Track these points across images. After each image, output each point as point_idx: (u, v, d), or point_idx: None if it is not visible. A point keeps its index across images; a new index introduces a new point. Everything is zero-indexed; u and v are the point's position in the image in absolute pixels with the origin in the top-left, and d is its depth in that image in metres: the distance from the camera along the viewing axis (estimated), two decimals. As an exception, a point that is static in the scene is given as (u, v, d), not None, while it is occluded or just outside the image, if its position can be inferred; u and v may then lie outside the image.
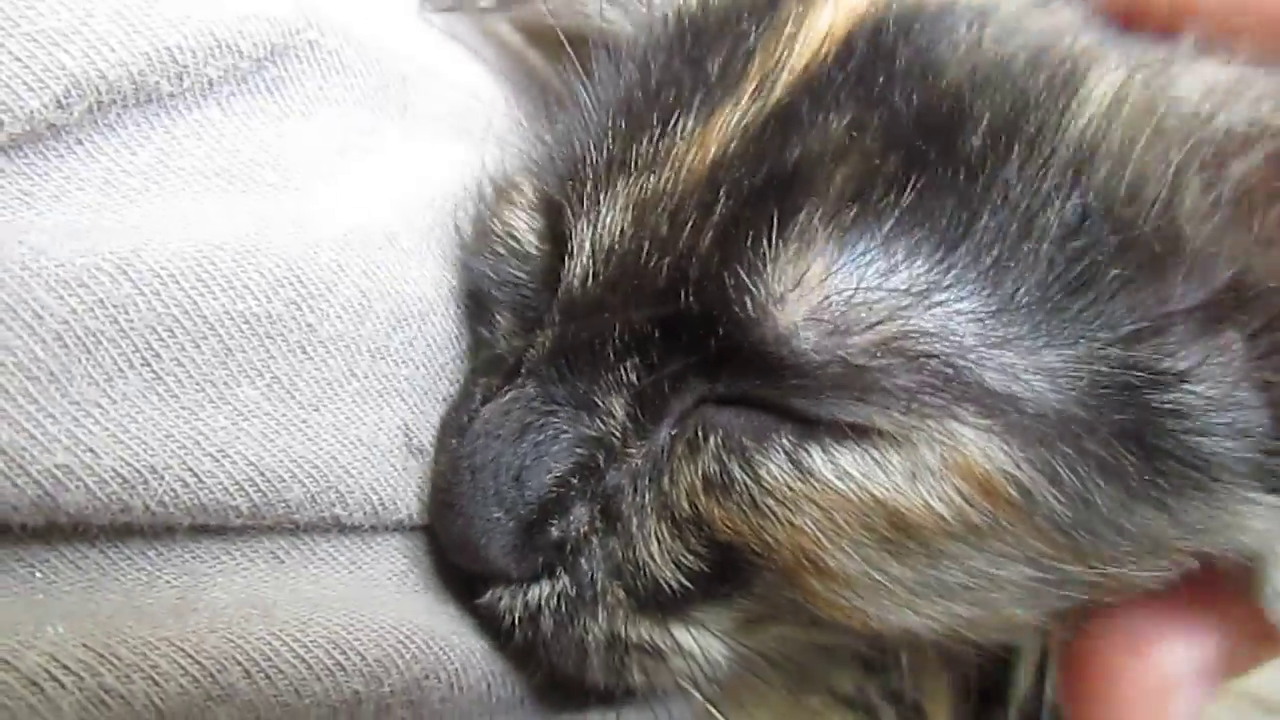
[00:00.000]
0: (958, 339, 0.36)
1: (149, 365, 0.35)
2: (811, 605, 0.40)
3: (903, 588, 0.39)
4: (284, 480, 0.37)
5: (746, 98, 0.40)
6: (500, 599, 0.42)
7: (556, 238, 0.45)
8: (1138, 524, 0.38)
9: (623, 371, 0.40)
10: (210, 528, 0.36)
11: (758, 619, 0.43)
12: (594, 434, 0.41)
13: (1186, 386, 0.37)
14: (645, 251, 0.39)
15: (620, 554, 0.41)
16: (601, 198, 0.41)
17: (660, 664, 0.42)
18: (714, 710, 0.44)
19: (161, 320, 0.35)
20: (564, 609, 0.41)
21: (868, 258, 0.36)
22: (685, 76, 0.42)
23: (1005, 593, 0.39)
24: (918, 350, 0.36)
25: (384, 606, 0.39)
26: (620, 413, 0.41)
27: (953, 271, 0.36)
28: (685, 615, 0.42)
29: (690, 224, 0.38)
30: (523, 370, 0.42)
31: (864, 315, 0.36)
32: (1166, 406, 0.37)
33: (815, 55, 0.40)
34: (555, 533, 0.41)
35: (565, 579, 0.41)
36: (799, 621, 0.42)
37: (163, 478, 0.34)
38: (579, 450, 0.41)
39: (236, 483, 0.36)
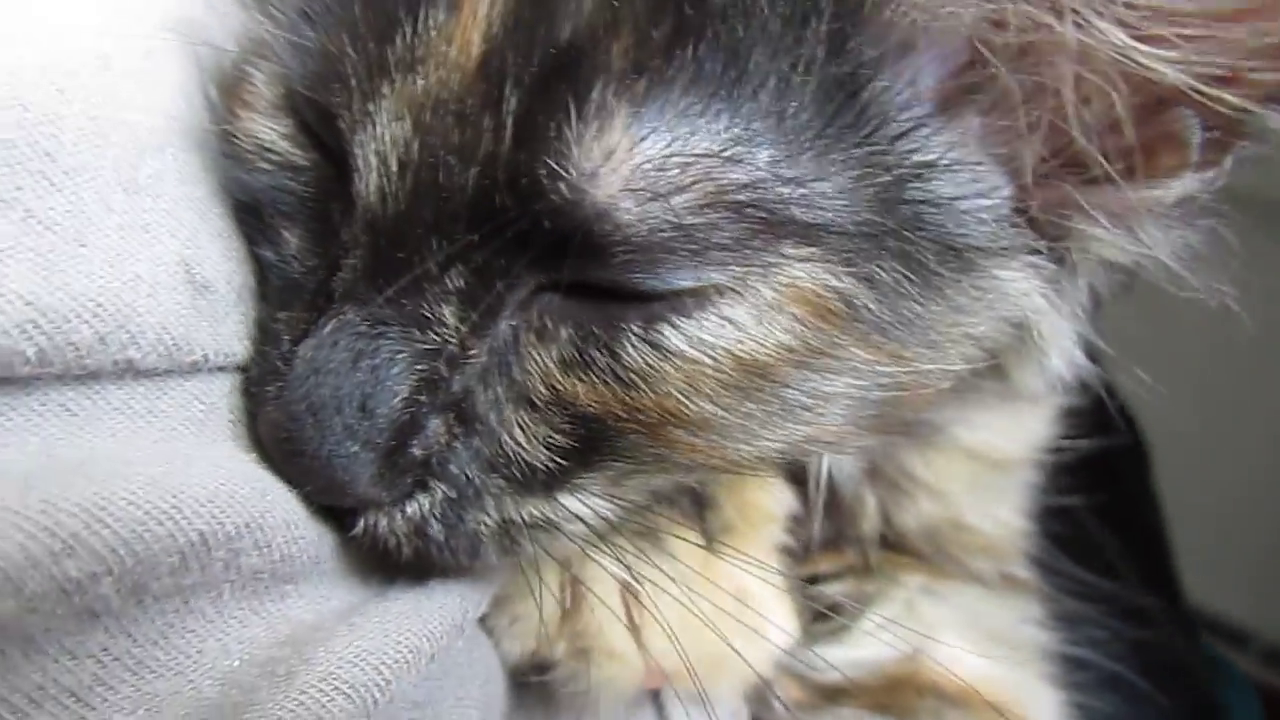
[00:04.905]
0: (766, 185, 0.37)
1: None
2: (673, 452, 0.42)
3: (755, 421, 0.41)
4: (69, 320, 0.33)
5: None
6: (377, 524, 0.41)
7: (321, 143, 0.42)
8: (931, 314, 0.41)
9: (448, 280, 0.39)
10: (-6, 380, 0.31)
11: (626, 474, 0.44)
12: (430, 347, 0.40)
13: (934, 174, 0.40)
14: (443, 161, 0.38)
15: (488, 450, 0.41)
16: (371, 106, 0.39)
17: (554, 532, 0.43)
18: (616, 564, 0.46)
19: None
20: (450, 512, 0.41)
21: (667, 124, 0.36)
22: None
23: (832, 405, 0.42)
24: (735, 201, 0.37)
25: (190, 460, 0.36)
26: (452, 319, 0.40)
27: (745, 123, 0.37)
28: (569, 484, 0.42)
29: (483, 125, 0.37)
30: (336, 296, 0.40)
31: (677, 178, 0.36)
32: (926, 197, 0.40)
33: None
34: (417, 451, 0.40)
35: (441, 486, 0.41)
36: (655, 467, 0.44)
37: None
38: (418, 367, 0.39)
39: (18, 325, 0.31)
